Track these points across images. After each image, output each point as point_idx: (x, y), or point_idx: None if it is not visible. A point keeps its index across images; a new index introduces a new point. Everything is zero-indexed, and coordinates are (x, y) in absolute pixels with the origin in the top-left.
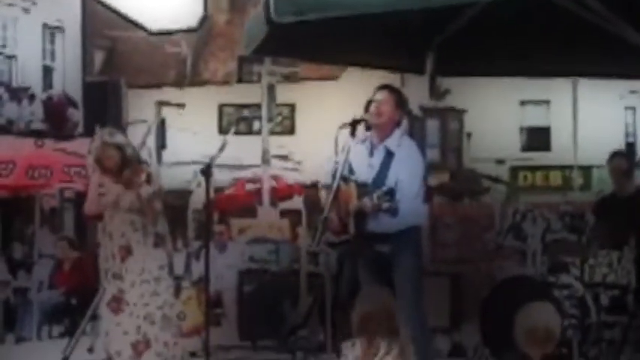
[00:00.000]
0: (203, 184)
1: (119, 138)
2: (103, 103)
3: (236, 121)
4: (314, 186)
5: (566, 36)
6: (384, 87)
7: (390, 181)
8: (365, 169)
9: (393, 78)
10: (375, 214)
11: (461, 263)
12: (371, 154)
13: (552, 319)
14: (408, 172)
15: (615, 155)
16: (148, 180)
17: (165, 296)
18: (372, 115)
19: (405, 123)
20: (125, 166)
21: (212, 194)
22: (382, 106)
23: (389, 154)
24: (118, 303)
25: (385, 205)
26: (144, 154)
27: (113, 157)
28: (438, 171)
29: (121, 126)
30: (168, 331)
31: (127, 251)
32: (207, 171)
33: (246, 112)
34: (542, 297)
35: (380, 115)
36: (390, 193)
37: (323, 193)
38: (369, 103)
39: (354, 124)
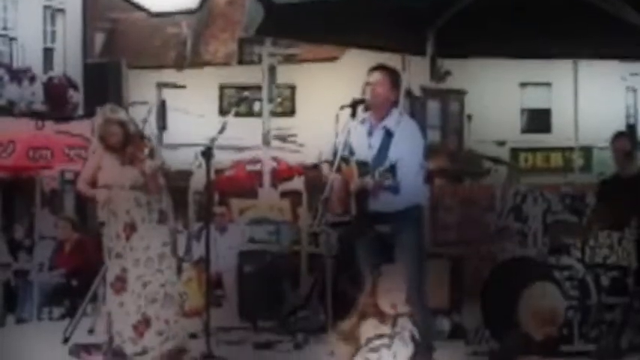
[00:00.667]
0: (204, 165)
1: (121, 114)
2: (103, 84)
3: (236, 102)
4: (315, 167)
5: (567, 18)
6: (377, 67)
7: (390, 160)
8: (365, 149)
9: (394, 59)
10: (376, 193)
11: (461, 245)
12: (370, 134)
13: (557, 300)
14: (407, 151)
15: (618, 136)
16: (151, 155)
17: (168, 274)
18: (368, 96)
19: (402, 102)
20: (128, 143)
21: (212, 176)
22: (377, 87)
23: (388, 134)
24: (122, 282)
25: (387, 182)
26: (147, 131)
27: (116, 134)
28: (438, 152)
29: (121, 107)
30: (170, 309)
31: (131, 229)
32: (207, 153)
33: (246, 93)
34: (542, 278)
35: (376, 96)
36: (392, 170)
37: (324, 171)
38: (366, 84)
39: (354, 105)
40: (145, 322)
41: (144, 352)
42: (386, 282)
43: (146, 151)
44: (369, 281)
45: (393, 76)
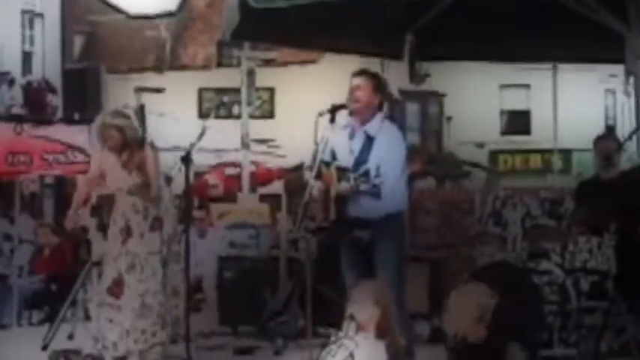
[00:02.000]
0: (183, 170)
1: (119, 120)
2: (82, 88)
3: (215, 107)
4: (294, 170)
5: (544, 21)
6: (360, 72)
7: (370, 165)
8: (346, 154)
9: (373, 61)
10: (356, 198)
11: (441, 248)
12: (351, 138)
13: (484, 298)
14: (388, 157)
15: (601, 138)
16: (144, 162)
17: (148, 284)
18: (350, 100)
19: (386, 107)
20: (126, 148)
21: (192, 179)
22: (359, 92)
23: (369, 139)
24: (119, 286)
25: (363, 186)
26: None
27: (113, 138)
28: (417, 155)
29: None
30: (148, 319)
31: (127, 233)
32: (187, 158)
33: (225, 98)
34: (522, 283)
35: (357, 101)
36: (366, 174)
37: (306, 176)
38: (349, 89)
39: (333, 111)
40: (126, 330)
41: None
42: (354, 294)
43: (144, 157)
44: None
45: (376, 81)
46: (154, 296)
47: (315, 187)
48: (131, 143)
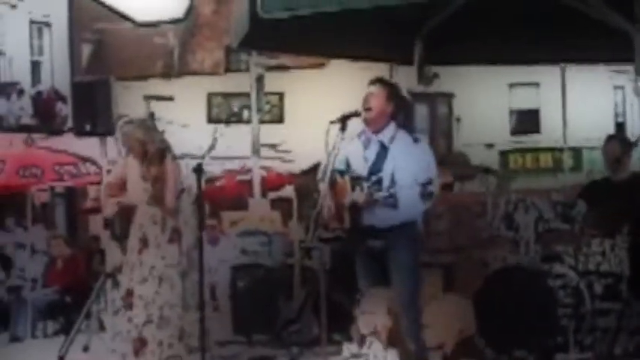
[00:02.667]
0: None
1: (140, 132)
2: (92, 99)
3: (225, 119)
4: (304, 174)
5: (552, 23)
6: (375, 81)
7: (384, 174)
8: (360, 162)
9: (381, 64)
10: (371, 207)
11: (453, 253)
12: (366, 147)
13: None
14: (402, 165)
15: (609, 140)
16: (164, 173)
17: (167, 296)
18: (363, 109)
19: (401, 116)
20: (145, 159)
21: (203, 187)
22: (372, 100)
23: (383, 148)
24: (131, 297)
25: (377, 195)
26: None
27: (133, 149)
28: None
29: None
30: (165, 331)
31: (144, 244)
32: (198, 169)
33: (235, 108)
34: (536, 287)
35: (370, 110)
36: (380, 182)
37: (319, 186)
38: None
39: (343, 120)
40: (141, 342)
41: None
42: (365, 305)
43: (164, 168)
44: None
45: (390, 89)
46: (171, 308)
47: (327, 196)
48: (152, 154)
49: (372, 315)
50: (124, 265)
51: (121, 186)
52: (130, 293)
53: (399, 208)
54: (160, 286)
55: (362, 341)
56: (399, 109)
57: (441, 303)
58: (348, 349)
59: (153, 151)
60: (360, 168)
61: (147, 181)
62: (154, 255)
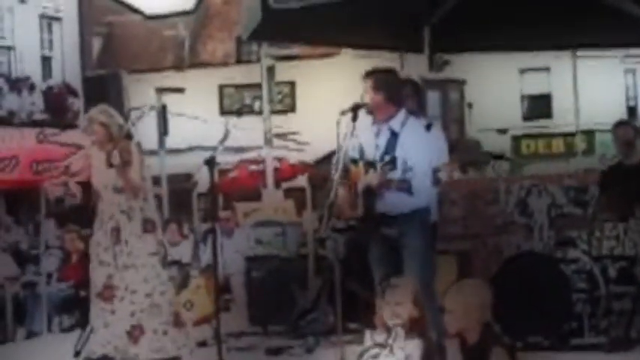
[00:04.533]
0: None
1: (103, 117)
2: (104, 94)
3: (237, 111)
4: (317, 163)
5: (563, 9)
6: (364, 74)
7: (397, 160)
8: (372, 149)
9: (392, 54)
10: (381, 188)
11: (467, 239)
12: (377, 135)
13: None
14: (412, 152)
15: (619, 125)
16: (128, 158)
17: (154, 283)
18: (366, 100)
19: (412, 102)
20: (109, 144)
21: (216, 179)
22: (365, 95)
23: (393, 135)
24: (110, 289)
25: (390, 175)
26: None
27: (97, 133)
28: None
29: (122, 113)
30: (157, 319)
31: (116, 234)
32: (211, 161)
33: (247, 99)
34: (550, 272)
35: (371, 100)
36: (393, 162)
37: (332, 176)
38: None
39: (355, 109)
40: (139, 329)
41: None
42: (392, 294)
43: (127, 153)
44: (378, 291)
45: (373, 79)
46: (161, 295)
47: (340, 186)
48: (116, 138)
49: (399, 305)
50: (96, 257)
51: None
52: (107, 286)
53: (412, 194)
54: (147, 274)
55: (387, 331)
56: (396, 95)
57: (460, 288)
58: (372, 337)
59: (117, 134)
60: (372, 155)
61: (112, 167)
62: (130, 244)
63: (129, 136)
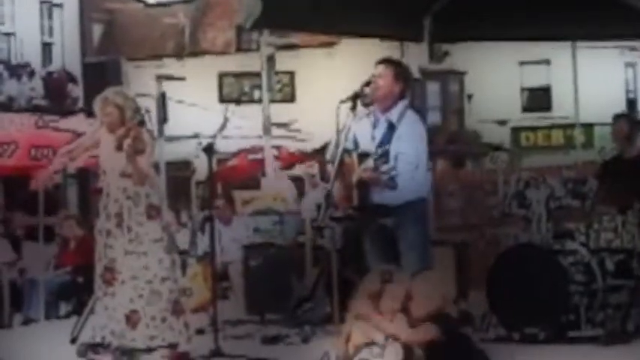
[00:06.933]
0: (206, 160)
1: (119, 98)
2: (103, 80)
3: (236, 98)
4: (316, 153)
5: (562, 0)
6: (382, 61)
7: (390, 153)
8: (368, 141)
9: (393, 43)
10: (375, 182)
11: (465, 230)
12: (374, 126)
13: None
14: (408, 144)
15: (618, 118)
16: (140, 145)
17: (156, 270)
18: (371, 89)
19: (409, 95)
20: (121, 128)
21: (215, 168)
22: (379, 80)
23: (390, 127)
24: (111, 273)
25: (383, 167)
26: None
27: (111, 115)
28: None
29: None
30: (156, 306)
31: (119, 219)
32: (209, 149)
33: (246, 87)
34: (547, 264)
35: (377, 89)
36: (386, 155)
37: (329, 167)
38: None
39: (354, 99)
40: (138, 315)
41: (133, 345)
42: (395, 288)
43: (139, 141)
44: (374, 282)
45: (397, 69)
46: (162, 282)
47: (337, 176)
48: (127, 123)
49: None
50: (99, 241)
51: (91, 151)
52: (108, 269)
53: (406, 186)
54: (149, 260)
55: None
56: (407, 89)
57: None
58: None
59: (131, 117)
60: (368, 147)
61: (121, 150)
62: (134, 230)
63: (142, 123)
